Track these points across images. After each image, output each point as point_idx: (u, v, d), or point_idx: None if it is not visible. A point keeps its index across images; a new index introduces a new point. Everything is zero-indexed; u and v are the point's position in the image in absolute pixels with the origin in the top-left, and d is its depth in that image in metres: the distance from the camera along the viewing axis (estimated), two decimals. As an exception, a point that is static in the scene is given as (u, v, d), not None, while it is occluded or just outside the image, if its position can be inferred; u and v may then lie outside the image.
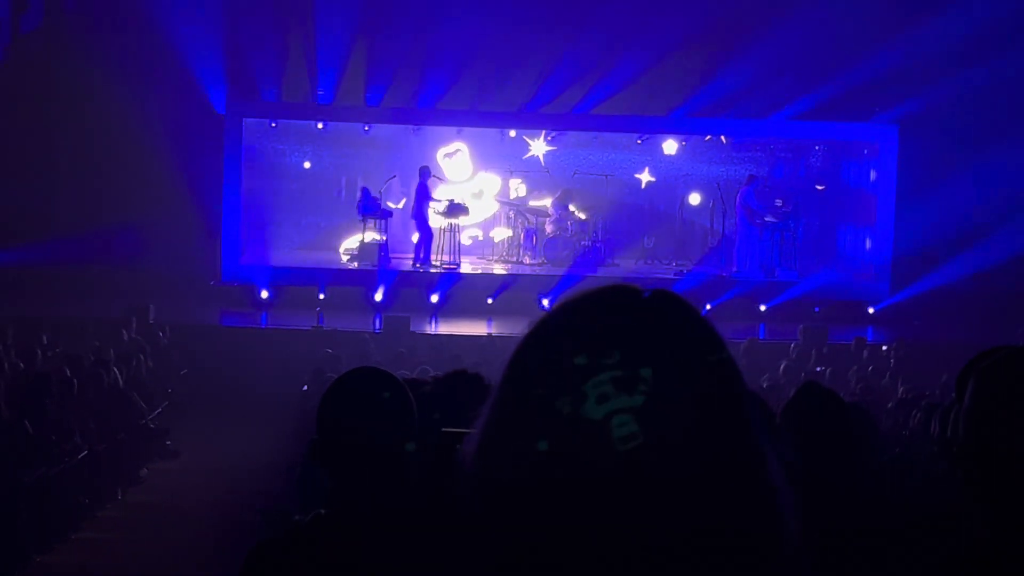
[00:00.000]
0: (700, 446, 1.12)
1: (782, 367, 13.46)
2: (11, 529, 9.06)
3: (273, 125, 21.52)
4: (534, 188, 22.37)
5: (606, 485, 1.09)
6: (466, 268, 20.20)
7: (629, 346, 1.14)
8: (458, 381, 3.56)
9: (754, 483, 1.14)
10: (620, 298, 1.19)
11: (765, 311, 19.13)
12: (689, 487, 1.10)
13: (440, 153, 22.32)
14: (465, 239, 21.28)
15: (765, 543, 1.13)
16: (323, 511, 2.64)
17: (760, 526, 1.13)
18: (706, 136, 22.07)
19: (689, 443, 1.11)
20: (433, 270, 19.95)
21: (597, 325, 1.16)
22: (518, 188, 22.47)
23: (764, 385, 11.32)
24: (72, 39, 19.17)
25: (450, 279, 19.56)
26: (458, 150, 22.46)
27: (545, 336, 1.18)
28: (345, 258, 20.99)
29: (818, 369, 13.88)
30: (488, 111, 21.01)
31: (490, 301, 19.10)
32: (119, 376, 12.60)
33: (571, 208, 21.18)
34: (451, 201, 20.12)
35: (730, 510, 1.11)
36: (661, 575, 1.09)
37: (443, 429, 2.84)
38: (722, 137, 22.03)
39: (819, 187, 22.11)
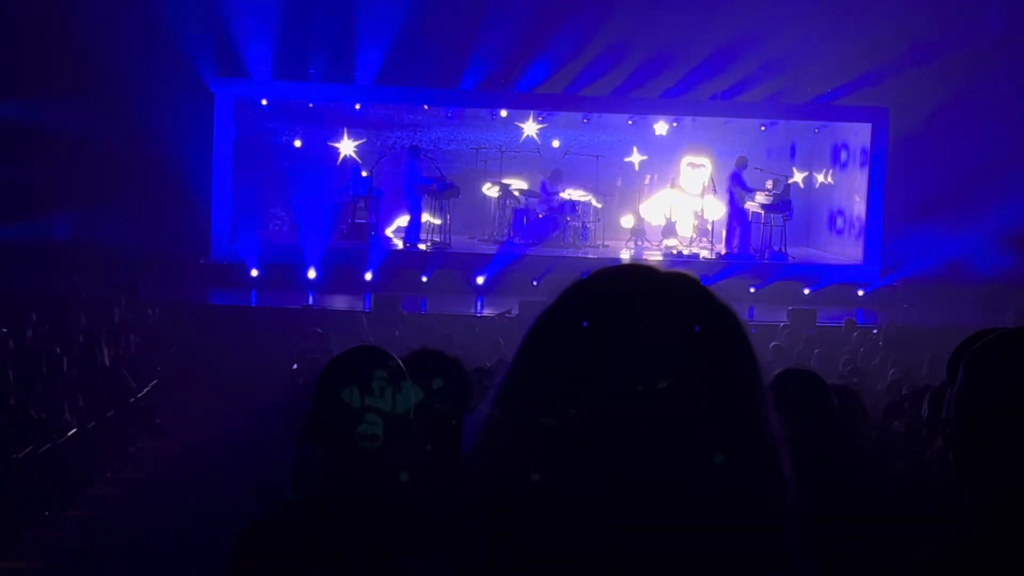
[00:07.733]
0: (713, 418, 1.13)
1: (770, 348, 13.47)
2: (1, 506, 9.06)
3: (264, 103, 21.42)
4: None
5: (619, 458, 1.10)
6: (456, 248, 20.15)
7: (645, 324, 1.14)
8: (425, 361, 3.54)
9: (760, 454, 1.15)
10: (638, 278, 1.20)
11: (755, 292, 19.15)
12: (701, 458, 1.11)
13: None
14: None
15: (766, 503, 1.15)
16: (317, 490, 2.63)
17: (762, 489, 1.15)
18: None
19: (701, 415, 1.12)
20: (422, 247, 19.92)
21: (615, 304, 1.16)
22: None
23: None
24: (61, 14, 19.00)
25: (440, 259, 19.52)
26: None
27: (563, 314, 1.18)
28: (336, 237, 20.93)
29: (806, 351, 13.90)
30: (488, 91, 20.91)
31: (480, 281, 19.08)
32: (108, 354, 12.57)
33: (560, 188, 21.14)
34: (441, 180, 20.04)
35: (738, 483, 1.13)
36: (670, 541, 1.10)
37: (439, 409, 2.84)
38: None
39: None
